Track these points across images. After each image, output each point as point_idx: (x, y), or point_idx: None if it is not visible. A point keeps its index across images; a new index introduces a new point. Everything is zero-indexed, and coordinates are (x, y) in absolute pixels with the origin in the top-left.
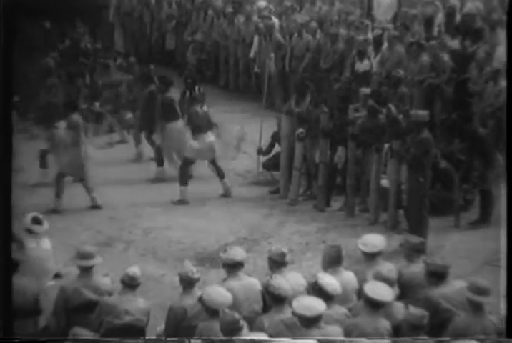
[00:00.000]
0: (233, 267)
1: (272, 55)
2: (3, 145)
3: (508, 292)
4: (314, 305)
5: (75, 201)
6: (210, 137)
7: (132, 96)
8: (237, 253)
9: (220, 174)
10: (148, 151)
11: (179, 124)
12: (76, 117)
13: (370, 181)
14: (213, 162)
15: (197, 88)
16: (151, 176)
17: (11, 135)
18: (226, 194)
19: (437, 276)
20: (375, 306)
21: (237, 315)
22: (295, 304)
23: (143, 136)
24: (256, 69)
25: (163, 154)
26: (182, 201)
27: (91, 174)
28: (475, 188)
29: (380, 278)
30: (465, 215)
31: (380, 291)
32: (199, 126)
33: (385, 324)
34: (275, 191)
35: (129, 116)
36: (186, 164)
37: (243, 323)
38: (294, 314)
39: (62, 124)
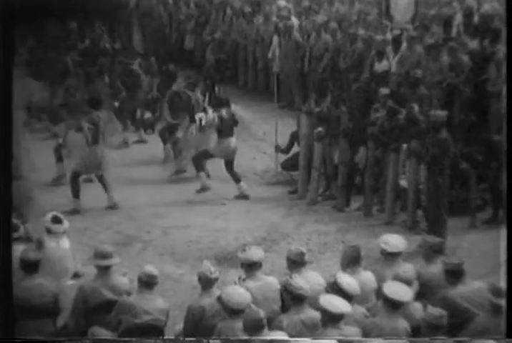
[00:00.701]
0: (251, 267)
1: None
2: (3, 145)
3: (508, 292)
4: (341, 304)
5: (94, 200)
6: (233, 142)
7: (152, 95)
8: (255, 253)
9: (236, 179)
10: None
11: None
12: (97, 114)
13: (388, 181)
14: (230, 166)
15: (216, 88)
16: (170, 177)
17: (10, 135)
18: (243, 197)
19: (454, 274)
20: (393, 306)
21: (261, 313)
22: (322, 299)
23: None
24: (275, 69)
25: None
26: (204, 189)
27: (110, 173)
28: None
29: (399, 278)
30: (483, 215)
31: (399, 291)
32: (224, 129)
33: (403, 324)
34: (294, 191)
35: (148, 115)
36: (202, 156)
37: (265, 322)
38: (319, 309)
39: (77, 123)
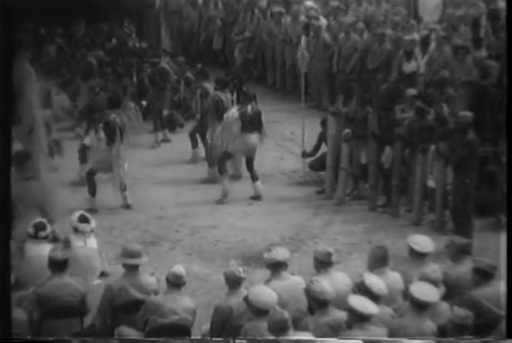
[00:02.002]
0: (277, 267)
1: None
2: (3, 146)
3: (508, 292)
4: (368, 304)
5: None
6: (254, 138)
7: (180, 95)
8: (280, 253)
9: (254, 177)
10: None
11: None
12: (114, 115)
13: (415, 181)
14: (250, 164)
15: (244, 88)
16: (200, 176)
17: (10, 136)
18: (256, 197)
19: (484, 275)
20: (420, 306)
21: (286, 314)
22: (351, 300)
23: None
24: (303, 69)
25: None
26: (225, 195)
27: (139, 173)
28: None
29: (426, 279)
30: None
31: (426, 292)
32: (249, 126)
33: (430, 325)
34: (322, 191)
35: (177, 115)
36: (224, 158)
37: (291, 323)
38: (347, 309)
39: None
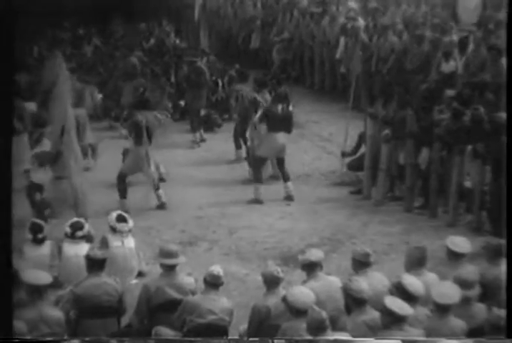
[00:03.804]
0: (311, 268)
1: (359, 55)
2: (3, 147)
3: (508, 292)
4: (405, 306)
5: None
6: (281, 138)
7: (217, 96)
8: (314, 253)
9: (285, 177)
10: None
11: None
12: (141, 116)
13: (452, 182)
14: (281, 164)
15: (282, 88)
16: (238, 177)
17: (11, 137)
18: (288, 198)
19: None
20: (443, 309)
21: (324, 314)
22: (388, 300)
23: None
24: (342, 70)
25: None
26: (256, 200)
27: (177, 173)
28: None
29: (460, 280)
30: None
31: (447, 293)
32: (276, 125)
33: (459, 324)
34: (356, 191)
35: (214, 115)
36: (257, 163)
37: (328, 323)
38: (384, 310)
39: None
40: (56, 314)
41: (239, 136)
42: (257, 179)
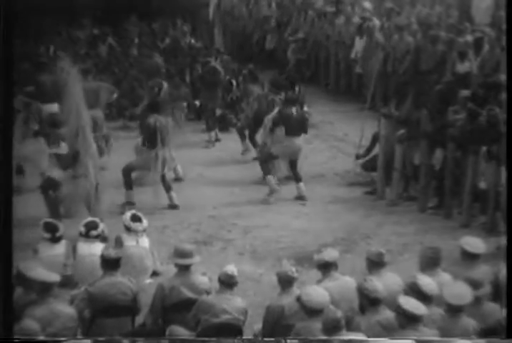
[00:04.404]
0: (326, 267)
1: (380, 55)
2: (3, 148)
3: (508, 292)
4: (419, 306)
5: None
6: (300, 140)
7: (232, 95)
8: (329, 253)
9: (297, 178)
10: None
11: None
12: (153, 119)
13: (466, 183)
14: (293, 166)
15: (297, 88)
16: (253, 176)
17: (11, 137)
18: (300, 198)
19: None
20: (455, 309)
21: (339, 313)
22: (402, 300)
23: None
24: (358, 70)
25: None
26: (272, 192)
27: (192, 173)
28: None
29: (469, 280)
30: None
31: (459, 293)
32: (293, 128)
33: (472, 324)
34: (371, 192)
35: (229, 115)
36: (268, 159)
37: (343, 322)
38: (399, 310)
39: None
40: (69, 310)
41: (243, 131)
42: (265, 171)
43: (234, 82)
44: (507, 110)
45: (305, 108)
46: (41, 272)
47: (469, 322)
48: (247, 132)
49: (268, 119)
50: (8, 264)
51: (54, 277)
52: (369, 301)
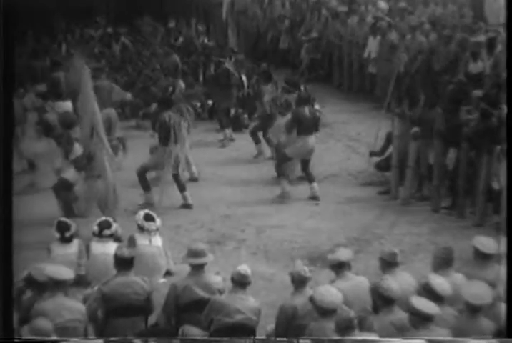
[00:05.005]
0: (340, 268)
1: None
2: (3, 148)
3: (508, 292)
4: (432, 306)
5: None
6: (312, 141)
7: (243, 92)
8: (343, 253)
9: (310, 178)
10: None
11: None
12: (166, 116)
13: (480, 183)
14: (305, 166)
15: (302, 88)
16: (267, 176)
17: (11, 137)
18: (314, 198)
19: None
20: (474, 309)
21: (352, 313)
22: (415, 300)
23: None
24: (371, 70)
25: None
26: (283, 195)
27: (205, 172)
28: None
29: (484, 280)
30: None
31: (479, 293)
32: (308, 128)
33: (488, 324)
34: (384, 191)
35: (243, 116)
36: (283, 161)
37: (356, 322)
38: (412, 310)
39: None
40: (78, 305)
41: (257, 134)
42: (280, 173)
43: (245, 81)
44: (507, 110)
45: (316, 107)
46: (54, 270)
47: (486, 323)
48: (260, 134)
49: (283, 121)
50: (8, 264)
51: (67, 274)
52: (383, 301)
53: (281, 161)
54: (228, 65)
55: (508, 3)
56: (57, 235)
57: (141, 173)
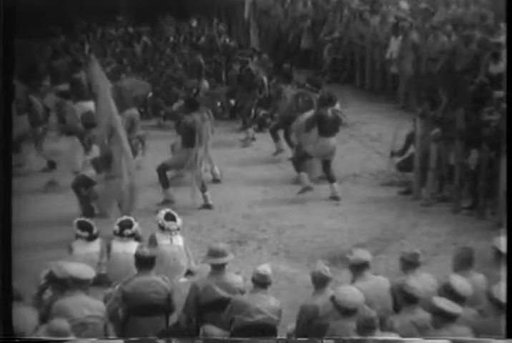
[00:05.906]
0: (359, 268)
1: (411, 56)
2: (3, 148)
3: (508, 292)
4: (455, 305)
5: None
6: (334, 142)
7: (265, 93)
8: (361, 254)
9: (331, 178)
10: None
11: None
12: (191, 117)
13: (500, 183)
14: (327, 166)
15: (325, 91)
16: (288, 176)
17: (10, 137)
18: (334, 198)
19: None
20: (501, 307)
21: (373, 313)
22: (437, 299)
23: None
24: (392, 70)
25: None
26: (306, 189)
27: (227, 172)
28: None
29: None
30: None
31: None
32: (329, 129)
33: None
34: (405, 192)
35: (263, 112)
36: (303, 158)
37: (378, 322)
38: (435, 309)
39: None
40: (97, 302)
41: (277, 132)
42: (299, 168)
43: (265, 81)
44: (507, 109)
45: (338, 107)
46: (75, 268)
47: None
48: (280, 133)
49: (304, 119)
50: (7, 264)
51: (89, 273)
52: (406, 299)
53: (301, 158)
54: (251, 65)
55: (508, 3)
56: (84, 234)
57: (162, 170)
